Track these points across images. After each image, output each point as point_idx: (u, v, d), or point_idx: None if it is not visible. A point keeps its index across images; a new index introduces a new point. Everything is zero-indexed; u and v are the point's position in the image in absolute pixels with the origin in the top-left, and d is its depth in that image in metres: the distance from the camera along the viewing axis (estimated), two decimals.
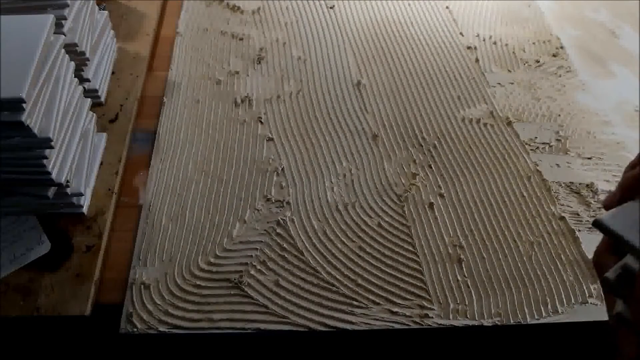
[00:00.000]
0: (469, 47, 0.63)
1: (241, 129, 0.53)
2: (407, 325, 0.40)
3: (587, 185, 0.50)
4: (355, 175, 0.50)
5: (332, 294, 0.41)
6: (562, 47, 0.64)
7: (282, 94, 0.57)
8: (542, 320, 0.40)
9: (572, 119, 0.56)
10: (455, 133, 0.54)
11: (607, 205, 0.33)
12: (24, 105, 0.36)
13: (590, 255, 0.44)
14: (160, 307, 0.40)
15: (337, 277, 0.42)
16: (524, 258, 0.44)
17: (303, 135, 0.53)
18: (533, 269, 0.43)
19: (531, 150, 0.53)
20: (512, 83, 0.60)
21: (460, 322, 0.40)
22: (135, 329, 0.38)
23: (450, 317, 0.40)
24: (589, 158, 0.53)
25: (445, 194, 0.49)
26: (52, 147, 0.39)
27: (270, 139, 0.52)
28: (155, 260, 0.43)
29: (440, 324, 0.40)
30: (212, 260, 0.43)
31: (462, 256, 0.44)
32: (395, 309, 0.41)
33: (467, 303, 0.41)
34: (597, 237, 0.49)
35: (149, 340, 0.39)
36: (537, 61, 0.62)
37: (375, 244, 0.44)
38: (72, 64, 0.45)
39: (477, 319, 0.40)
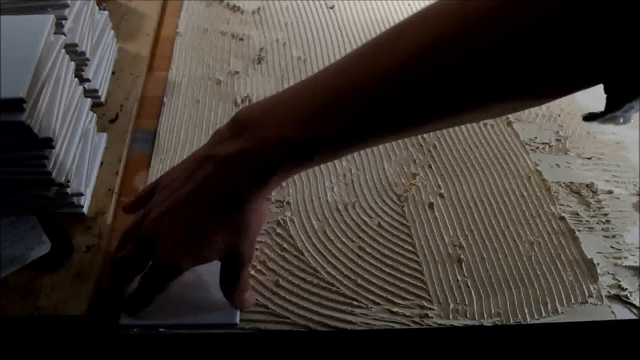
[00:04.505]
0: None
1: None
2: (407, 325, 0.40)
3: (587, 185, 0.50)
4: (355, 175, 0.50)
5: (332, 294, 0.41)
6: None
7: None
8: (541, 320, 0.40)
9: (572, 119, 0.56)
10: (455, 133, 0.54)
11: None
12: (24, 105, 0.36)
13: (590, 255, 0.44)
14: None
15: (337, 277, 0.42)
16: (524, 258, 0.44)
17: None
18: (533, 269, 0.43)
19: (531, 150, 0.53)
20: None
21: (460, 322, 0.40)
22: (135, 330, 0.38)
23: (450, 317, 0.40)
24: (589, 158, 0.53)
25: (445, 194, 0.49)
26: (52, 147, 0.39)
27: None
28: None
29: (440, 324, 0.40)
30: None
31: (462, 256, 0.44)
32: (395, 309, 0.41)
33: (467, 303, 0.41)
34: (598, 237, 0.49)
35: (149, 341, 0.39)
36: None
37: (375, 244, 0.44)
38: (73, 64, 0.45)
39: (477, 319, 0.40)
